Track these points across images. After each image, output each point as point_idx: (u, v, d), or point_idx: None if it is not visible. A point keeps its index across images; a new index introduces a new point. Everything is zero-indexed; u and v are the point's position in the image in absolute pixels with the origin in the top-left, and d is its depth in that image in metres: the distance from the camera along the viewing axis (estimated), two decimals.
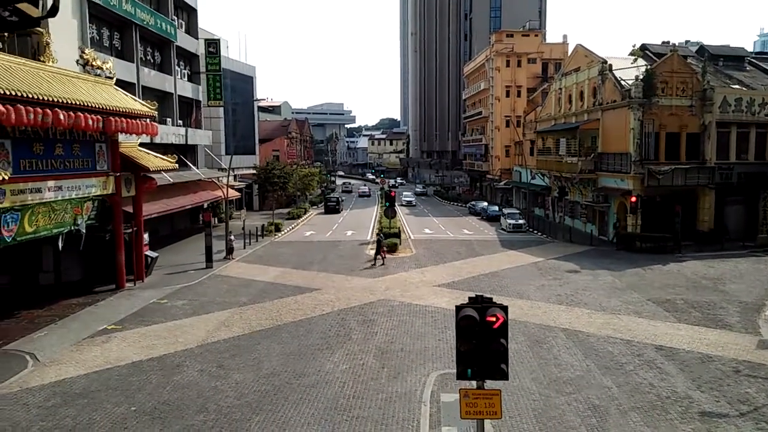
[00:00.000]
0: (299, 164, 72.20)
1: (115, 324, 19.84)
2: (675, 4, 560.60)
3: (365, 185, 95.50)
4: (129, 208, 26.26)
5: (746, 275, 27.52)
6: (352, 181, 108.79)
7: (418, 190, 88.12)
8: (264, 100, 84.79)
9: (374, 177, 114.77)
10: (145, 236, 27.37)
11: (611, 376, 15.15)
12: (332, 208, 60.47)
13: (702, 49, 45.14)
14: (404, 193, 74.41)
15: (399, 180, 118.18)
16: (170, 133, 37.36)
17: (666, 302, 22.70)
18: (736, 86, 39.45)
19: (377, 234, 32.97)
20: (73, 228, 21.31)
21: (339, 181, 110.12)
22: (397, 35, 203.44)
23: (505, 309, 8.28)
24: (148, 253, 27.45)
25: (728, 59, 44.35)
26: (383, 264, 30.84)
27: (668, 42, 45.71)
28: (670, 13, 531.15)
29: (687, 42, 59.93)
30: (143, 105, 24.99)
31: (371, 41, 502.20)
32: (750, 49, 69.03)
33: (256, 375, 15.33)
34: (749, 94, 38.03)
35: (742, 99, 37.31)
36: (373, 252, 35.01)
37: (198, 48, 44.62)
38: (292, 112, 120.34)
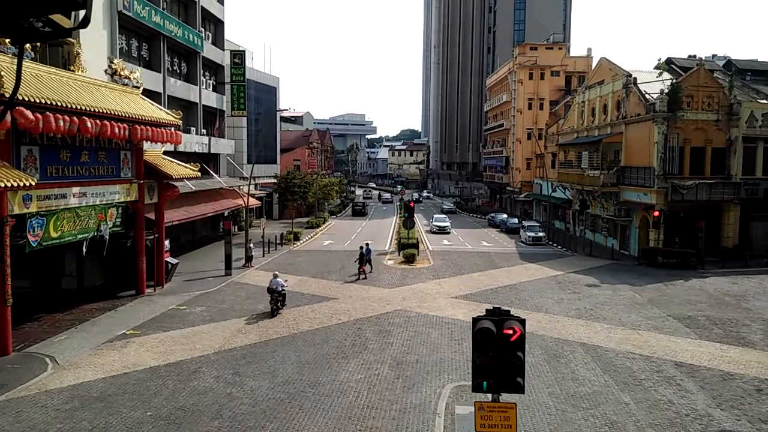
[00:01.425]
0: (319, 174, 72.60)
1: (134, 329, 20.11)
2: (702, 17, 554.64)
3: (388, 194, 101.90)
4: (151, 215, 26.67)
5: None
6: (373, 191, 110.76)
7: (446, 206, 74.38)
8: (287, 110, 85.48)
9: (403, 188, 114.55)
10: (166, 243, 27.75)
11: (629, 392, 14.92)
12: (359, 212, 70.28)
13: (729, 63, 44.62)
14: (435, 216, 57.07)
15: (425, 193, 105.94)
16: (194, 141, 37.92)
17: (687, 318, 22.32)
18: (764, 101, 38.78)
19: (360, 246, 31.20)
20: (96, 234, 21.71)
21: (359, 191, 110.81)
22: (420, 47, 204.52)
23: (522, 322, 8.24)
24: (169, 259, 27.80)
25: (756, 74, 43.75)
26: (365, 278, 29.80)
27: (694, 56, 45.25)
28: (697, 27, 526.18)
29: (714, 56, 59.32)
30: (168, 114, 25.45)
31: (394, 53, 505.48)
32: None
33: (272, 383, 15.40)
34: None
35: None
36: (391, 262, 35.13)
37: (223, 59, 45.33)
38: (314, 123, 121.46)
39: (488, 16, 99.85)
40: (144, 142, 24.04)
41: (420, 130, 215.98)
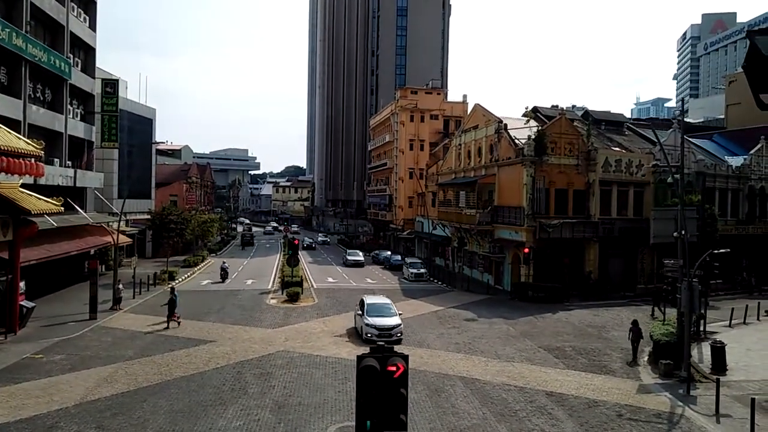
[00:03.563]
0: (198, 210, 69.85)
1: None
2: (563, 71, 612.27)
3: (270, 227, 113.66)
4: (5, 254, 24.13)
5: (626, 323, 29.10)
6: (255, 229, 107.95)
7: (352, 258, 56.16)
8: (163, 143, 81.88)
9: (297, 228, 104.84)
10: (22, 284, 25.14)
11: (506, 423, 15.47)
12: (248, 242, 78.49)
13: (586, 114, 49.18)
14: (367, 300, 26.74)
15: (321, 237, 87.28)
16: (57, 174, 35.02)
17: (556, 349, 23.75)
18: (617, 148, 43.14)
19: (171, 292, 27.98)
20: None
21: (240, 228, 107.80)
22: (305, 84, 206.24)
23: (405, 358, 8.27)
24: (24, 303, 25.14)
25: (609, 124, 48.60)
26: (178, 326, 26.62)
27: (557, 106, 49.39)
28: (558, 79, 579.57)
29: (573, 106, 65.26)
30: (28, 144, 23.36)
31: (279, 89, 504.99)
32: (628, 115, 76.26)
33: None
34: (628, 156, 41.68)
35: (621, 160, 40.80)
36: (274, 301, 34.27)
37: (94, 87, 42.67)
38: (194, 157, 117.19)
39: (371, 60, 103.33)
40: None
41: (305, 166, 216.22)
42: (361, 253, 58.93)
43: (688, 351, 19.43)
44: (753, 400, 14.86)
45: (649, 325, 25.84)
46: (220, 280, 42.39)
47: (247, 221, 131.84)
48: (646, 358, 22.38)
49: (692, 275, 20.14)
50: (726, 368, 20.16)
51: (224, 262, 45.68)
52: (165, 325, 26.71)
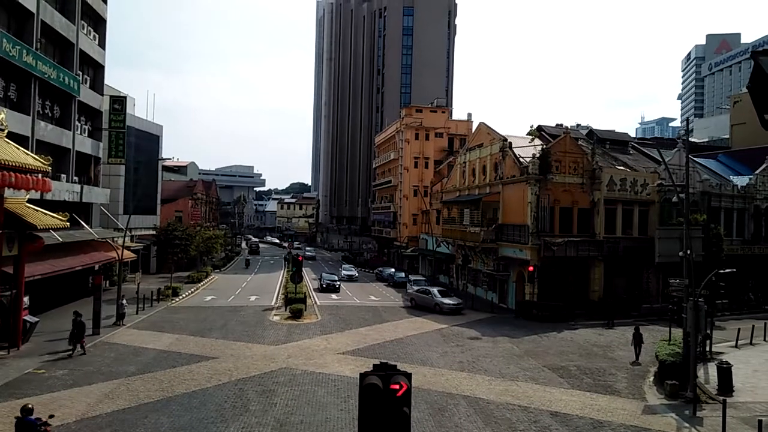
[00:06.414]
0: (203, 226, 70.01)
1: None
2: (567, 90, 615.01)
3: (277, 239, 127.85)
4: (10, 269, 24.19)
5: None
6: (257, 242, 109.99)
7: (450, 303, 38.35)
8: (170, 159, 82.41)
9: (313, 252, 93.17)
10: (26, 299, 25.16)
11: None
12: (254, 251, 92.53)
13: (591, 133, 49.27)
14: None
15: (346, 271, 59.38)
16: (64, 189, 35.24)
17: (560, 369, 23.54)
18: (621, 167, 43.11)
19: (75, 314, 24.13)
20: None
21: (244, 245, 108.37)
22: (310, 102, 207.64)
23: (408, 376, 8.20)
24: (27, 317, 25.14)
25: (614, 143, 48.65)
26: (83, 353, 23.67)
27: (561, 124, 49.50)
28: (563, 98, 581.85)
29: (578, 125, 65.46)
30: (36, 159, 23.57)
31: (285, 106, 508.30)
32: (632, 134, 76.36)
33: None
34: (633, 175, 41.65)
35: (626, 179, 40.79)
36: (277, 318, 34.18)
37: (102, 104, 43.10)
38: (199, 173, 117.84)
39: (377, 78, 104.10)
40: (6, 188, 21.98)
41: (310, 183, 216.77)
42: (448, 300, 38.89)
43: (694, 371, 19.24)
44: (760, 422, 14.68)
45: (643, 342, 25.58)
46: (245, 267, 66.10)
47: (273, 238, 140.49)
48: (651, 379, 22.16)
49: (698, 295, 20.00)
50: (732, 389, 19.93)
51: (248, 253, 72.65)
52: (70, 351, 23.65)
